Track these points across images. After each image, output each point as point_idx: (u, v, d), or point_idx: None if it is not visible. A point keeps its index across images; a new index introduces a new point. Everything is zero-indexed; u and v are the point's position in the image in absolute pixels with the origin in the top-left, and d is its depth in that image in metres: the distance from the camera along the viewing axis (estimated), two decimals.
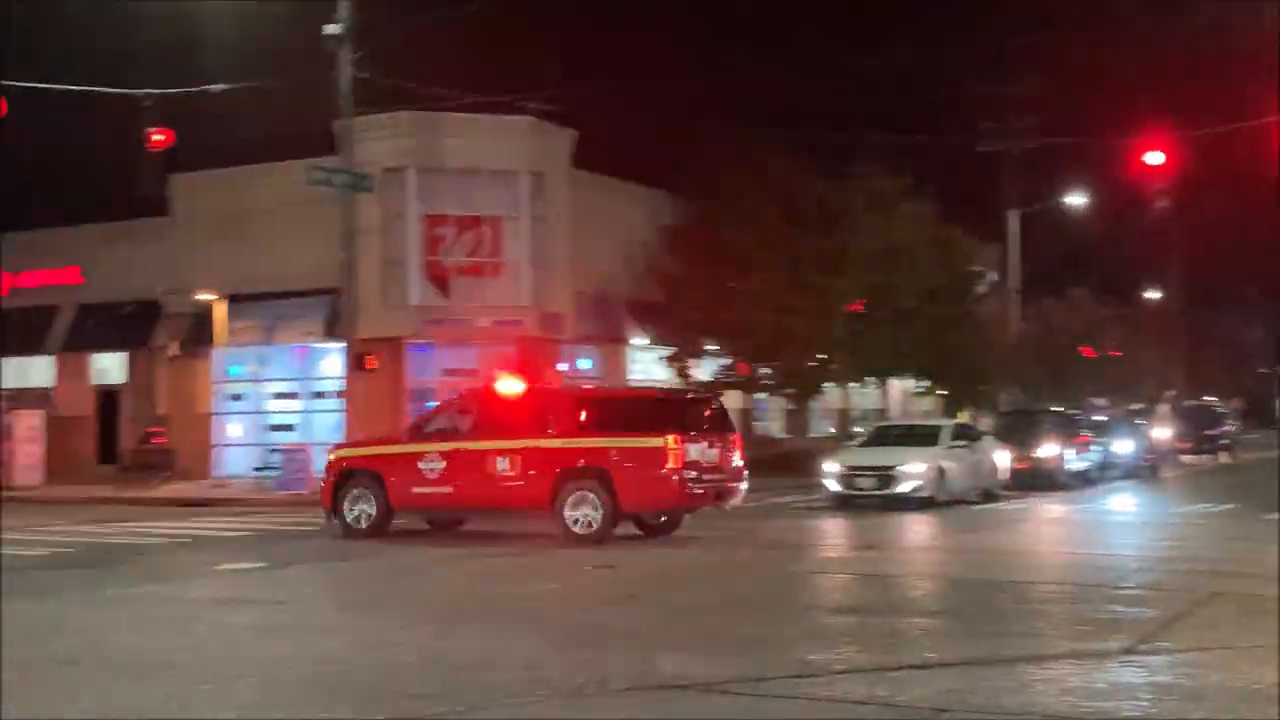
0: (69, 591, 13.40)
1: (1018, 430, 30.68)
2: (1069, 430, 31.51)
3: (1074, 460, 30.67)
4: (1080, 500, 26.67)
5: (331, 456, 21.27)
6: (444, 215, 33.03)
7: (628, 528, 18.84)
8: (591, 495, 18.16)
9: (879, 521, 21.38)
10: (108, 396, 37.84)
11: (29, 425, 33.91)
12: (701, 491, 18.48)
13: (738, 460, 19.36)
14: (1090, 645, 9.64)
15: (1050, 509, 24.90)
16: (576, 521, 18.18)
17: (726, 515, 19.56)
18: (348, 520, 19.84)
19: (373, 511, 19.75)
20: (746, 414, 41.91)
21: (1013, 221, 46.48)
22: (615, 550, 16.69)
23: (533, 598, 12.50)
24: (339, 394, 32.01)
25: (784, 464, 32.17)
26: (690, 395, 21.71)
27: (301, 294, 33.59)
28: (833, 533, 20.79)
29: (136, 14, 35.28)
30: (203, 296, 33.68)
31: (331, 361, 33.33)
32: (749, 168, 34.10)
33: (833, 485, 24.60)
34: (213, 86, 28.19)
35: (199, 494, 29.98)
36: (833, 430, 42.37)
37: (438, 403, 25.41)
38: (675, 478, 18.03)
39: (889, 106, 54.32)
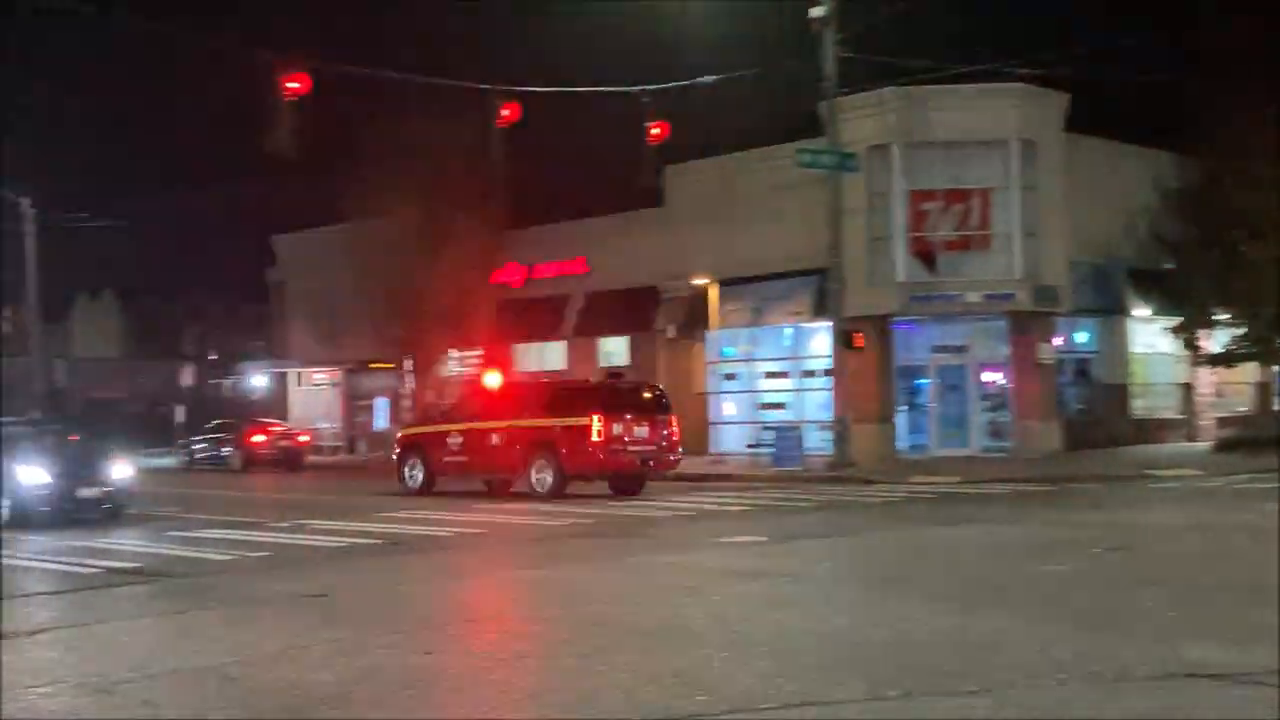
0: (595, 561, 14.38)
1: None
2: None
3: None
4: None
5: (399, 435, 28.58)
6: (930, 190, 32.65)
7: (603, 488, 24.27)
8: (547, 463, 23.70)
9: None
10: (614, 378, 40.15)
11: None
12: (627, 459, 23.84)
13: (670, 436, 24.60)
14: None
15: None
16: (539, 483, 23.79)
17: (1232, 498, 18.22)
18: (407, 482, 26.35)
19: (421, 476, 26.16)
20: (1265, 388, 38.69)
21: None
22: (1119, 533, 15.90)
23: (1042, 578, 12.14)
24: (827, 372, 32.39)
25: None
26: (631, 383, 27.10)
27: (788, 275, 34.29)
28: None
29: (630, 14, 37.15)
30: (697, 281, 35.04)
31: (820, 340, 33.82)
32: (1262, 120, 31.39)
33: None
34: (704, 79, 29.23)
35: (698, 470, 31.22)
36: None
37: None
38: (600, 448, 23.38)
39: None
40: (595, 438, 23.40)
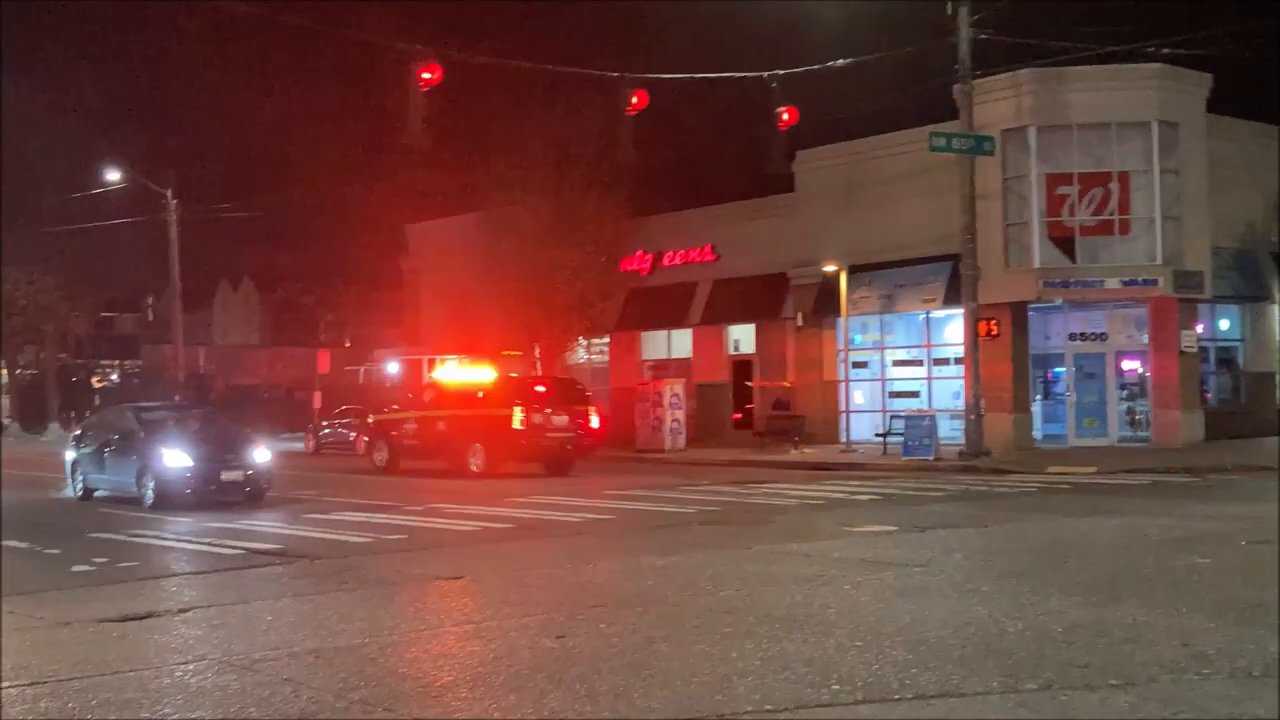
0: (724, 548, 14.35)
1: None
2: None
3: None
4: None
5: (370, 421, 32.17)
6: (1067, 173, 31.89)
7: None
8: (480, 446, 27.42)
9: None
10: (741, 365, 40.12)
11: (674, 393, 36.68)
12: (546, 444, 27.52)
13: (588, 424, 28.12)
14: None
15: None
16: (474, 465, 27.46)
17: None
18: (375, 462, 30.13)
19: (385, 456, 29.95)
20: None
21: None
22: (1265, 526, 15.37)
23: (1185, 571, 11.81)
24: (959, 360, 31.88)
25: None
26: (556, 378, 31.55)
27: (920, 261, 33.85)
28: None
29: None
30: (826, 267, 34.71)
31: (953, 328, 33.32)
32: None
33: None
34: (835, 62, 28.92)
35: (827, 458, 31.01)
36: None
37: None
38: (522, 435, 27.14)
39: None
40: (516, 425, 27.10)
